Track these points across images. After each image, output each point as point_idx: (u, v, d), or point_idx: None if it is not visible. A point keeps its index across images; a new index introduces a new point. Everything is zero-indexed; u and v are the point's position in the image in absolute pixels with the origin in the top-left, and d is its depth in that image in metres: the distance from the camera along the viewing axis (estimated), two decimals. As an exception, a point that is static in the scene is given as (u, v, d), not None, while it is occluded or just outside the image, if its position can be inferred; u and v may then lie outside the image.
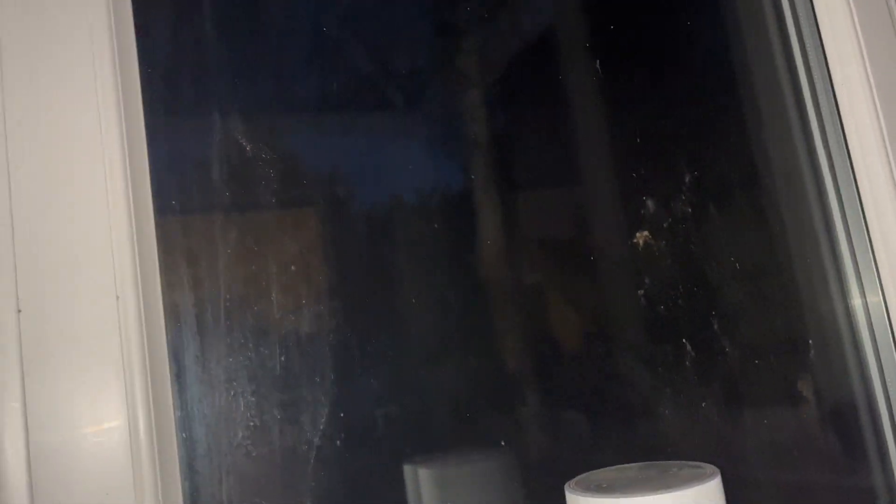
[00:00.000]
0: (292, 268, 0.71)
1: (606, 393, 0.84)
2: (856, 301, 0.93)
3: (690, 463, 0.63)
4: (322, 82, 0.82)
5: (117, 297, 0.61)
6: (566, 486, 0.61)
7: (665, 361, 0.85)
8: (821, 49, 0.96)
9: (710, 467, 0.60)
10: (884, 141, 0.88)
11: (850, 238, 0.92)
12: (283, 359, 0.69)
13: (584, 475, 0.64)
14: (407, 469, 0.77)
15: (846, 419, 0.91)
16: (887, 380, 0.90)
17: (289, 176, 0.76)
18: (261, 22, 0.81)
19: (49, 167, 0.61)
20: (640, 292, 0.85)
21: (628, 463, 0.65)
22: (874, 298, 0.91)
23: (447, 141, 0.88)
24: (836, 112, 0.95)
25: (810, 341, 0.90)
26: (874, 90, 0.91)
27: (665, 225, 0.88)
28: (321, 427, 0.69)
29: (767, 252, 0.95)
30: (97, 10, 0.64)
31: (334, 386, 0.71)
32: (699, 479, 0.57)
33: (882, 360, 0.91)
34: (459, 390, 0.78)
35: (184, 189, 0.71)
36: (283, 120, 0.79)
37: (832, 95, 0.95)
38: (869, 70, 0.92)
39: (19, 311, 0.58)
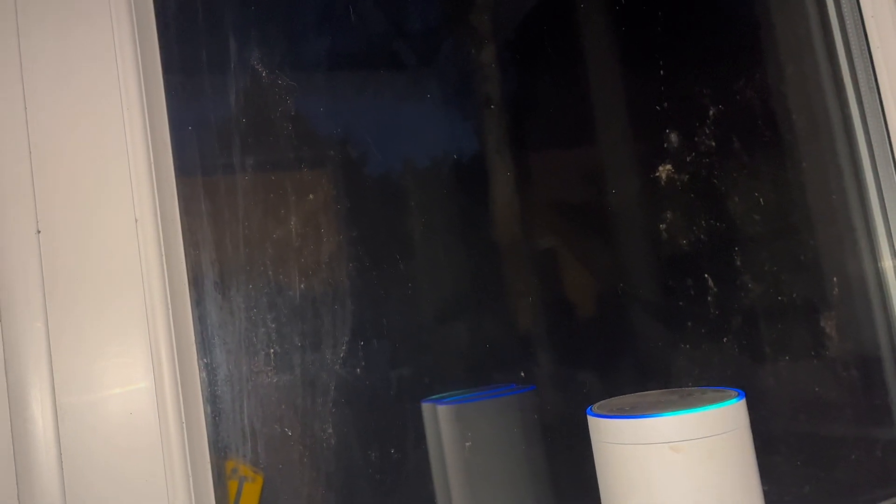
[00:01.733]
0: (310, 196, 0.70)
1: (627, 329, 0.84)
2: (881, 242, 0.91)
3: (713, 388, 0.62)
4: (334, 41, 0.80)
5: (136, 220, 0.60)
6: (588, 410, 0.60)
7: (686, 296, 0.84)
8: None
9: (734, 391, 0.60)
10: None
11: (877, 172, 0.90)
12: (302, 286, 0.69)
13: (605, 401, 0.63)
14: (425, 406, 0.77)
15: (869, 356, 0.90)
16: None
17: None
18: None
19: (65, 85, 0.60)
20: (662, 226, 0.84)
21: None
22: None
23: (462, 97, 0.86)
24: (865, 45, 0.93)
25: (835, 279, 0.89)
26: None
27: (688, 159, 0.86)
28: (341, 355, 0.69)
29: (792, 189, 0.93)
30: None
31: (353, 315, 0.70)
32: (723, 399, 0.56)
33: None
34: (480, 318, 0.78)
35: (199, 116, 0.70)
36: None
37: (861, 28, 0.93)
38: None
39: (39, 231, 0.58)
